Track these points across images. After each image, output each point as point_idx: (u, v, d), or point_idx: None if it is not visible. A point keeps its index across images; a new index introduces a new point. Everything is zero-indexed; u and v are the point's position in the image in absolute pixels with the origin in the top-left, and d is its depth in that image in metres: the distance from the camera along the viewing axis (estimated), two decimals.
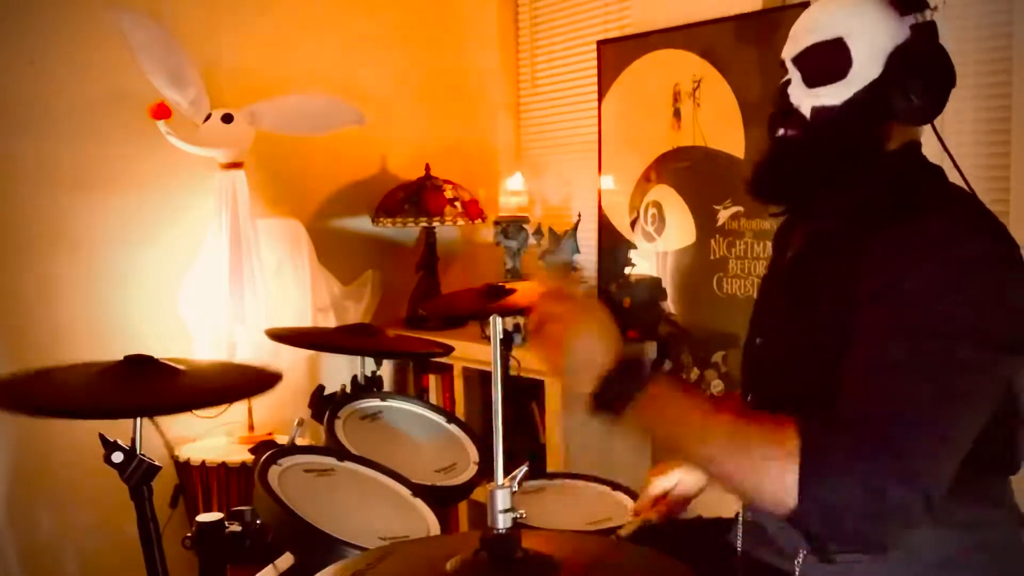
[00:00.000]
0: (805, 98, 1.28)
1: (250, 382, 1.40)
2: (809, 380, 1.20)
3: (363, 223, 3.22)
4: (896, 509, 0.99)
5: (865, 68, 1.24)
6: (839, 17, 1.26)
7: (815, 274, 1.28)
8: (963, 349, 1.06)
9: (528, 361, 2.52)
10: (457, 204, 3.11)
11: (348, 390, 2.08)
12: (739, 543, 1.39)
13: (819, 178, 1.28)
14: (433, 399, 3.08)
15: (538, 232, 2.97)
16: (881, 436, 1.01)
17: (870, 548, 1.06)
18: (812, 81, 1.27)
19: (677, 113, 2.76)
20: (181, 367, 1.37)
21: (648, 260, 2.87)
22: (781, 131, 1.31)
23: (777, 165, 1.32)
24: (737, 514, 1.42)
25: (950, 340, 1.06)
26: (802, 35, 1.30)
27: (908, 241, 1.13)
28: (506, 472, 1.03)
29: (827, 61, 1.26)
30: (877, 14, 1.24)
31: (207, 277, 2.74)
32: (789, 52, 1.31)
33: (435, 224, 3.11)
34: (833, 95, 1.26)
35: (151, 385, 1.30)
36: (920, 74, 1.22)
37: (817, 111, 1.27)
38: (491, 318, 1.57)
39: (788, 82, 1.31)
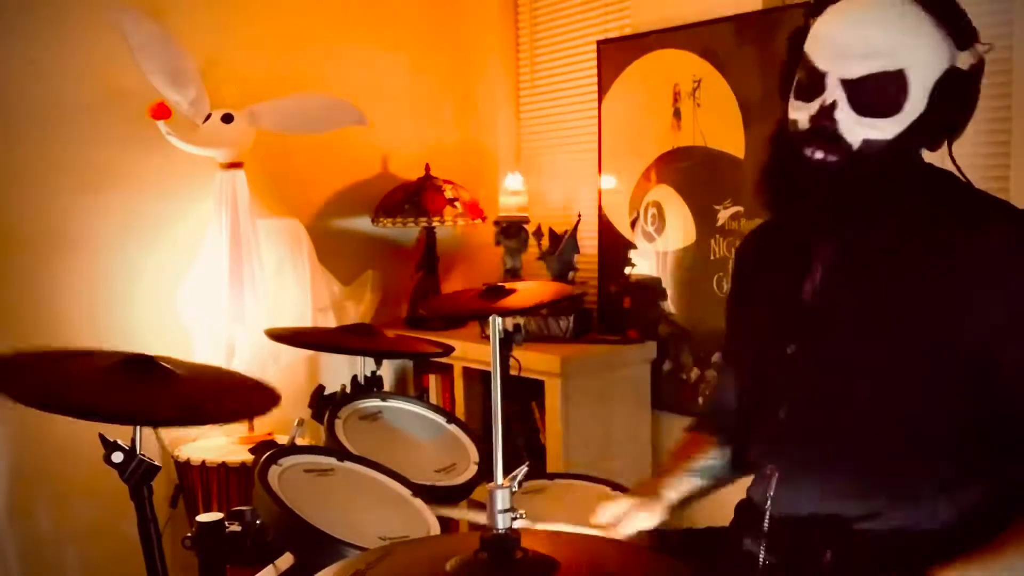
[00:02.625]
0: (855, 127, 1.21)
1: (249, 404, 1.40)
2: (871, 380, 1.23)
3: (363, 223, 3.22)
4: None
5: (918, 103, 1.21)
6: (902, 47, 1.19)
7: (861, 282, 1.28)
8: None
9: (528, 361, 2.52)
10: (457, 204, 3.11)
11: (348, 390, 2.08)
12: (762, 553, 1.36)
13: (862, 205, 1.24)
14: (433, 399, 3.08)
15: (538, 232, 2.97)
16: None
17: None
18: (865, 110, 1.21)
19: (677, 113, 2.76)
20: (179, 371, 1.36)
21: (648, 260, 2.88)
22: (821, 155, 1.23)
23: (816, 192, 1.25)
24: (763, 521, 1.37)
25: None
26: (857, 58, 1.20)
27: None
28: (506, 472, 1.03)
29: (886, 94, 1.20)
30: (937, 46, 1.20)
31: (207, 277, 2.73)
32: (839, 71, 1.22)
33: (435, 224, 3.11)
34: (886, 129, 1.21)
35: (148, 392, 1.30)
36: (966, 108, 1.23)
37: (868, 143, 1.22)
38: (491, 318, 1.57)
39: (834, 104, 1.22)
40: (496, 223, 3.08)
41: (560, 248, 2.91)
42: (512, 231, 3.04)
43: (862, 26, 1.21)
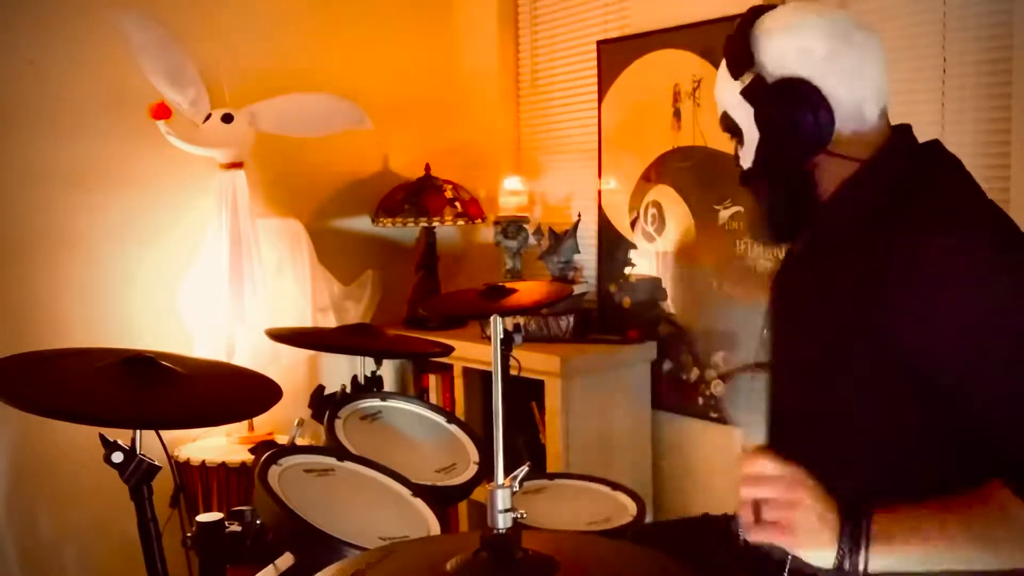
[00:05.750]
0: (744, 158, 1.37)
1: (253, 402, 1.40)
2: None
3: (363, 223, 3.22)
4: None
5: (749, 131, 1.34)
6: (718, 92, 1.38)
7: (807, 282, 1.33)
8: None
9: (528, 361, 2.52)
10: (457, 204, 3.11)
11: (348, 390, 2.08)
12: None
13: (804, 208, 1.33)
14: (433, 399, 3.08)
15: (538, 232, 2.97)
16: None
17: None
18: (739, 144, 1.38)
19: (677, 113, 2.76)
20: (181, 369, 1.36)
21: (648, 260, 2.87)
22: (753, 184, 1.39)
23: (768, 212, 1.38)
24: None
25: None
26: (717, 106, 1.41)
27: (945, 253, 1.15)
28: (506, 472, 1.03)
29: (731, 131, 1.38)
30: (727, 84, 1.34)
31: (207, 277, 2.74)
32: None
33: (435, 224, 3.11)
34: (749, 158, 1.35)
35: (151, 394, 1.30)
36: (779, 116, 1.27)
37: (754, 167, 1.35)
38: (491, 318, 1.57)
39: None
40: (496, 223, 3.08)
41: (560, 248, 2.91)
42: (512, 231, 3.04)
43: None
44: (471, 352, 2.80)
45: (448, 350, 2.24)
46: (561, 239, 2.91)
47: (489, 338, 2.81)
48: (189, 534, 1.37)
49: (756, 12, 1.33)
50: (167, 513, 2.55)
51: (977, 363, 1.13)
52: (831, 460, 1.23)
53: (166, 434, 1.45)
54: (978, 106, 2.15)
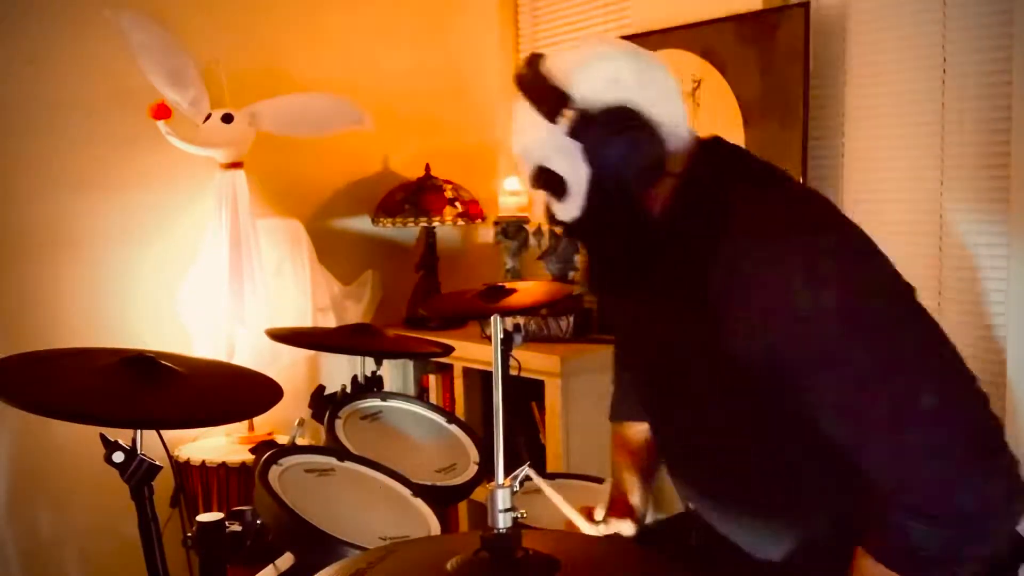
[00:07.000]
0: (563, 211, 1.31)
1: (253, 402, 1.40)
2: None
3: (363, 223, 3.22)
4: None
5: (574, 177, 1.26)
6: (525, 147, 1.30)
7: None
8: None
9: (528, 361, 2.52)
10: (457, 204, 3.11)
11: (348, 390, 2.08)
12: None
13: (625, 261, 1.29)
14: (433, 399, 3.08)
15: (538, 232, 2.97)
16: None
17: None
18: (556, 198, 1.30)
19: None
20: (181, 369, 1.36)
21: None
22: (577, 240, 1.36)
23: (592, 268, 1.35)
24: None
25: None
26: (522, 163, 1.33)
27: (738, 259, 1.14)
28: (506, 472, 1.03)
29: (549, 184, 1.29)
30: (541, 133, 1.26)
31: (207, 277, 2.73)
32: (525, 176, 1.34)
33: (435, 224, 3.11)
34: (575, 206, 1.28)
35: (151, 394, 1.30)
36: (607, 155, 1.23)
37: (577, 219, 1.29)
38: (491, 318, 1.57)
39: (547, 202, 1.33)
40: (496, 223, 3.08)
41: (560, 248, 2.90)
42: (512, 231, 3.04)
43: (514, 137, 1.34)
44: (471, 352, 2.80)
45: (448, 350, 2.24)
46: (561, 239, 2.91)
47: (489, 338, 2.80)
48: (189, 534, 1.37)
49: (535, 58, 1.29)
50: (167, 513, 2.56)
51: (793, 356, 1.11)
52: (712, 484, 1.31)
53: (166, 434, 1.45)
54: (978, 106, 2.15)
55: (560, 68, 1.26)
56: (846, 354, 1.07)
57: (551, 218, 1.34)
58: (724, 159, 1.30)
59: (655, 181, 1.25)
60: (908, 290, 1.12)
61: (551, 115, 1.24)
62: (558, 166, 1.27)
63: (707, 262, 1.16)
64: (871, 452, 1.08)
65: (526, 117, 1.28)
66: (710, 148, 1.30)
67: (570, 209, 1.29)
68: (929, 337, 1.10)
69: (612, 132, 1.22)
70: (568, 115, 1.23)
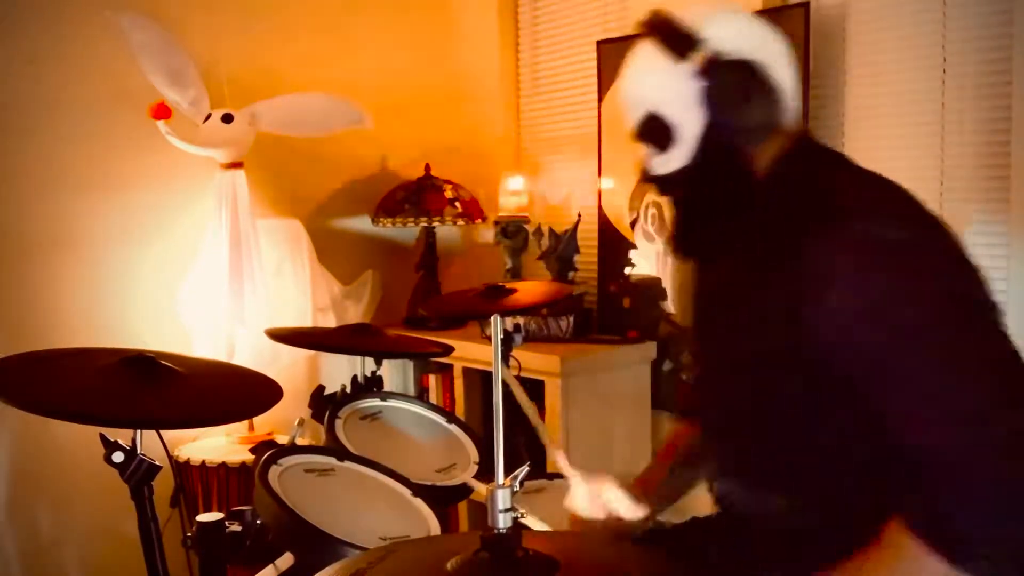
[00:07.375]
0: (665, 164, 1.31)
1: (253, 402, 1.40)
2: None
3: (363, 223, 3.22)
4: None
5: (687, 124, 1.27)
6: (640, 92, 1.31)
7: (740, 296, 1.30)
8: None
9: (528, 361, 2.52)
10: (457, 204, 3.11)
11: (348, 390, 2.08)
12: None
13: (723, 220, 1.30)
14: (433, 399, 3.08)
15: (538, 232, 2.97)
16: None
17: None
18: (659, 150, 1.30)
19: None
20: (180, 369, 1.36)
21: (648, 260, 2.87)
22: (668, 197, 1.36)
23: (684, 227, 1.35)
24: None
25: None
26: (627, 111, 1.33)
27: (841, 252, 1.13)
28: (506, 472, 1.03)
29: (656, 134, 1.29)
30: (663, 74, 1.27)
31: (207, 277, 2.73)
32: (629, 128, 1.34)
33: (435, 224, 3.11)
34: (680, 157, 1.28)
35: (151, 394, 1.30)
36: (730, 102, 1.24)
37: (679, 172, 1.29)
38: (491, 318, 1.57)
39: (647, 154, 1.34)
40: (496, 223, 3.08)
41: (560, 248, 2.90)
42: (512, 231, 3.04)
43: (622, 85, 1.35)
44: (471, 352, 2.80)
45: (448, 350, 2.24)
46: (561, 239, 2.91)
47: (489, 338, 2.80)
48: (189, 534, 1.37)
49: (659, 10, 1.31)
50: (167, 513, 2.56)
51: (873, 355, 1.11)
52: (756, 471, 1.28)
53: (166, 434, 1.45)
54: (978, 106, 2.15)
55: (693, 14, 1.28)
56: (932, 351, 1.09)
57: (645, 175, 1.34)
58: (823, 145, 1.32)
59: (764, 140, 1.26)
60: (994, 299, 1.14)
61: (681, 53, 1.25)
62: (672, 110, 1.27)
63: (807, 240, 1.15)
64: (935, 437, 1.08)
65: (648, 59, 1.29)
66: (808, 132, 1.33)
67: (672, 160, 1.29)
68: (1007, 340, 1.11)
69: (739, 78, 1.24)
70: (697, 57, 1.24)
